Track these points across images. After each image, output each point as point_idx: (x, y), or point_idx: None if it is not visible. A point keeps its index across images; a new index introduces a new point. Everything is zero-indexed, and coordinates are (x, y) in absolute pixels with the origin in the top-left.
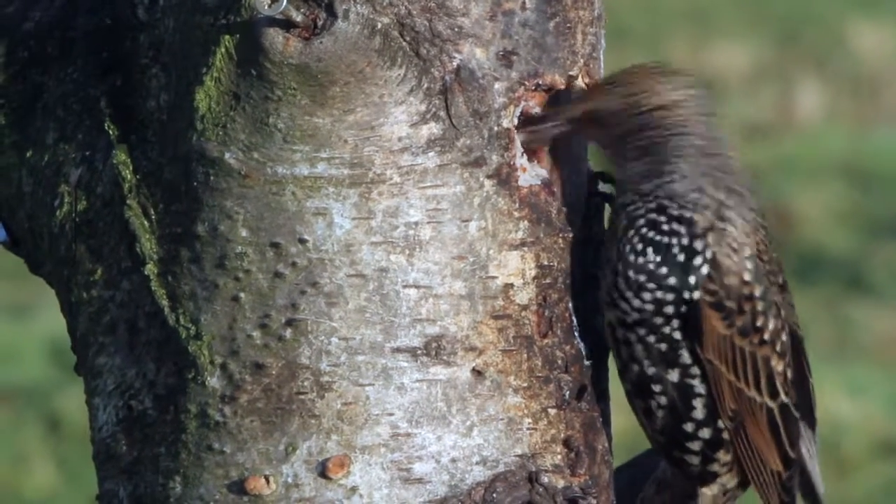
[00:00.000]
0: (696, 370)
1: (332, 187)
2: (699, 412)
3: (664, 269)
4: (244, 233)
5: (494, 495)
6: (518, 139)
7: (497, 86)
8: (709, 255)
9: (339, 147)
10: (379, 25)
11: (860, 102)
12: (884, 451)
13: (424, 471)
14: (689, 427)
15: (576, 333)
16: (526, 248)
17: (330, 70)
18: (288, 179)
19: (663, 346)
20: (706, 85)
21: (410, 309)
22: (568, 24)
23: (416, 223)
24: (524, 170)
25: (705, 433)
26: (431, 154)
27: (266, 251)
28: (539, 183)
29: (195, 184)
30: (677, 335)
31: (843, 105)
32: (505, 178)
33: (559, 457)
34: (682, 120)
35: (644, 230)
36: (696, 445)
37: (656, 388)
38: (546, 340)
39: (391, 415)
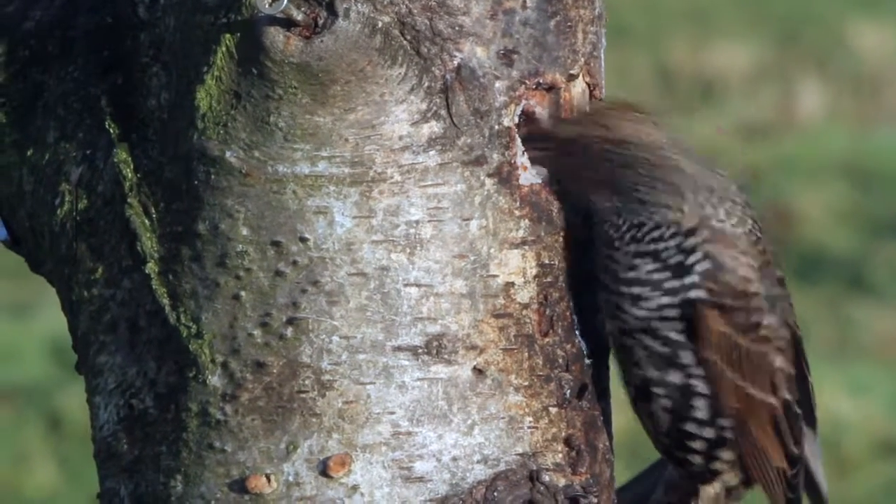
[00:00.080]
0: (697, 371)
1: (332, 186)
2: (702, 412)
3: (661, 275)
4: (245, 231)
5: (495, 494)
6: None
7: (498, 84)
8: (704, 251)
9: (339, 146)
10: (380, 24)
11: (861, 102)
12: (884, 451)
13: (425, 469)
14: (691, 427)
15: (577, 332)
16: (527, 247)
17: (331, 69)
18: (289, 178)
19: (664, 349)
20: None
21: (411, 307)
22: (569, 23)
23: (417, 222)
24: (525, 168)
25: (708, 432)
26: (432, 153)
27: (267, 250)
28: (540, 181)
29: (196, 182)
30: (678, 337)
31: (844, 105)
32: (506, 177)
33: (560, 455)
34: (631, 154)
35: (628, 247)
36: (698, 445)
37: (659, 390)
38: (547, 339)
39: (392, 413)
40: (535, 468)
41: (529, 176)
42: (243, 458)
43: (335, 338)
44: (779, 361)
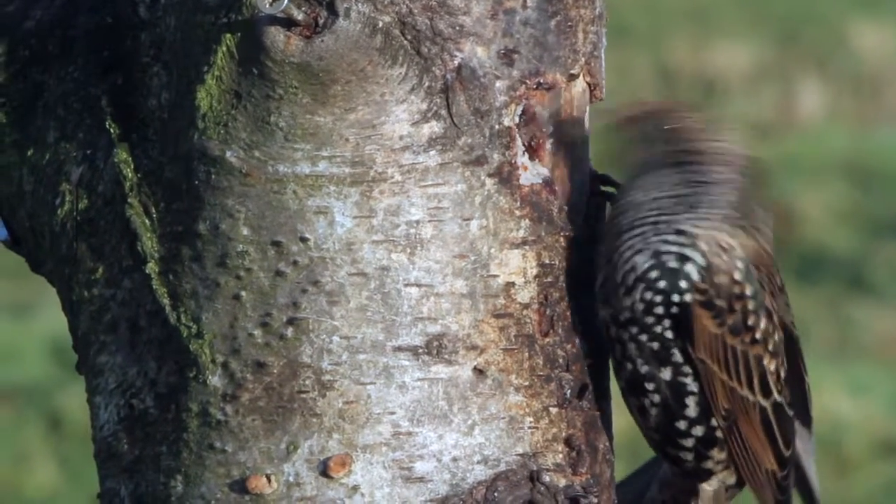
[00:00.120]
0: (688, 369)
1: (333, 186)
2: (692, 410)
3: (654, 273)
4: (245, 231)
5: (496, 494)
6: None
7: (498, 84)
8: (700, 260)
9: (340, 145)
10: (380, 24)
11: (861, 102)
12: (885, 451)
13: (426, 470)
14: (682, 425)
15: (577, 332)
16: (527, 247)
17: (331, 69)
18: (289, 178)
19: (655, 345)
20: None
21: (412, 307)
22: (569, 23)
23: (418, 222)
24: (525, 168)
25: (698, 431)
26: (433, 153)
27: (267, 250)
28: (540, 181)
29: (196, 182)
30: (669, 334)
31: (845, 104)
32: (506, 177)
33: (560, 456)
34: (701, 163)
35: (642, 236)
36: (689, 443)
37: (649, 386)
38: (547, 339)
39: (392, 413)
40: (535, 468)
41: (530, 176)
42: (244, 459)
43: (335, 338)
44: (771, 364)
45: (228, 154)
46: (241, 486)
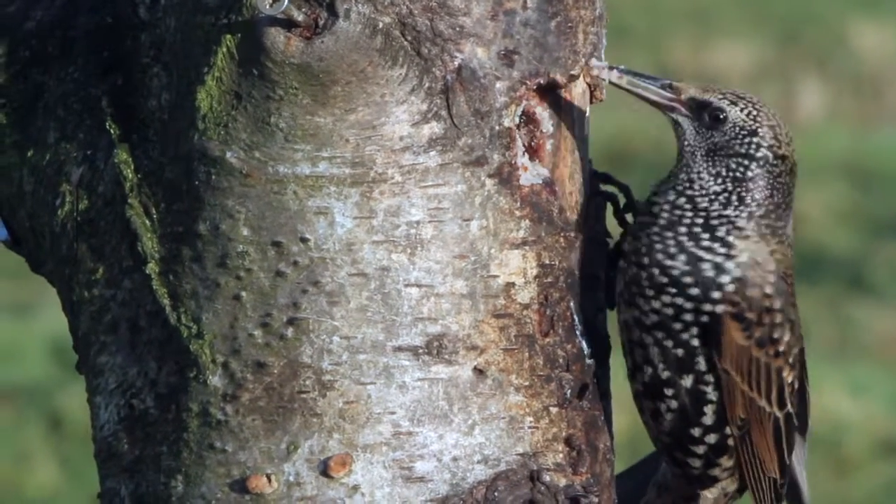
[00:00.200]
0: (710, 377)
1: (333, 186)
2: (709, 418)
3: (688, 279)
4: (246, 232)
5: (496, 494)
6: (607, 75)
7: (498, 85)
8: (736, 272)
9: (340, 146)
10: (380, 25)
11: (861, 102)
12: (885, 451)
13: (426, 469)
14: (696, 432)
15: (577, 332)
16: (527, 247)
17: (331, 69)
18: (289, 178)
19: (680, 352)
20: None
21: (412, 308)
22: (569, 24)
23: (418, 222)
24: (525, 169)
25: (711, 438)
26: (433, 153)
27: (267, 250)
28: (540, 182)
29: (196, 183)
30: (695, 342)
31: (845, 105)
32: (506, 178)
33: (561, 455)
34: (778, 172)
35: (683, 238)
36: (700, 449)
37: (669, 391)
38: (547, 339)
39: (393, 413)
40: (535, 468)
41: (530, 176)
42: (244, 459)
43: (336, 338)
44: (789, 376)
45: (229, 155)
46: (241, 486)
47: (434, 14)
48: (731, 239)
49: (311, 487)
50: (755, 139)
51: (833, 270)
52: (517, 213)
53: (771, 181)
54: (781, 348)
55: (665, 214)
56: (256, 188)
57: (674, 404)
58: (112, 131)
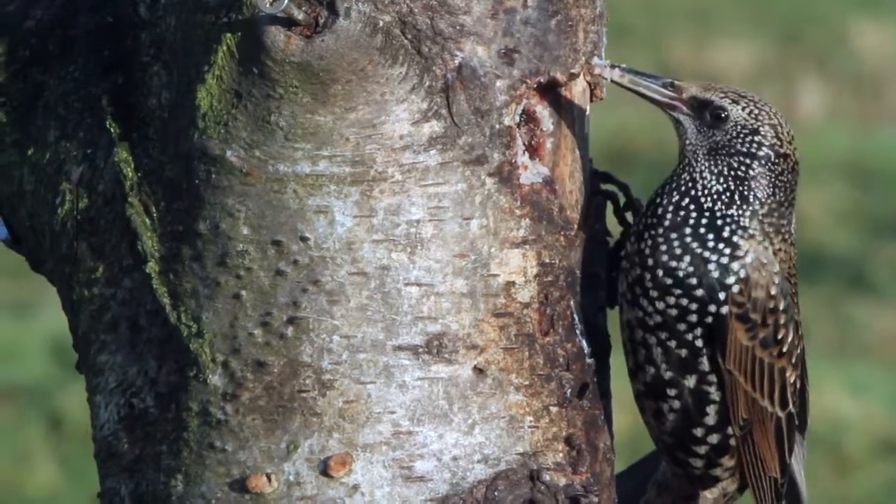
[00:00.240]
0: (713, 378)
1: (333, 185)
2: (711, 418)
3: (693, 280)
4: (245, 231)
5: (496, 493)
6: (609, 73)
7: (499, 84)
8: (742, 273)
9: (340, 145)
10: (380, 23)
11: (862, 102)
12: (885, 450)
13: (426, 469)
14: (698, 432)
15: (577, 331)
16: (527, 246)
17: (331, 68)
18: (289, 177)
19: (684, 352)
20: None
21: (412, 307)
22: (569, 22)
23: (418, 221)
24: (525, 168)
25: (714, 438)
26: (433, 152)
27: (267, 249)
28: (540, 181)
29: (196, 182)
30: (699, 343)
31: (845, 104)
32: (506, 176)
33: (561, 455)
34: (780, 171)
35: (689, 239)
36: (703, 450)
37: (671, 391)
38: (547, 338)
39: (393, 413)
40: (535, 467)
41: (530, 175)
42: (244, 458)
43: (336, 337)
44: (792, 376)
45: (229, 153)
46: (241, 486)
47: (434, 12)
48: (735, 239)
49: (311, 487)
50: (757, 138)
51: (833, 270)
52: (517, 211)
53: (773, 179)
54: (785, 348)
55: (669, 216)
56: (256, 187)
57: (676, 404)
58: (112, 130)
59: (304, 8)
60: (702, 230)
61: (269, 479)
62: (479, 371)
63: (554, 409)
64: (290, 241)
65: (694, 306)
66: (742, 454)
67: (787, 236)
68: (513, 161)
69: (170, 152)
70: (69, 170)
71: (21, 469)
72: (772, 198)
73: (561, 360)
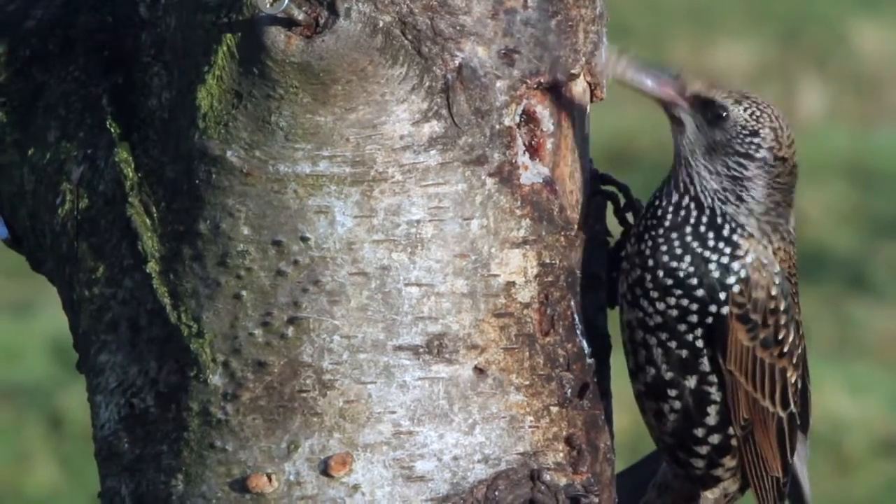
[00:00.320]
0: (713, 378)
1: (333, 185)
2: (712, 419)
3: (694, 281)
4: (246, 231)
5: (496, 493)
6: (616, 65)
7: (499, 84)
8: (742, 273)
9: (340, 145)
10: (381, 24)
11: (862, 101)
12: (885, 450)
13: (426, 469)
14: (699, 432)
15: (578, 331)
16: (528, 247)
17: (332, 68)
18: (290, 177)
19: (684, 353)
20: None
21: (412, 307)
22: (570, 23)
23: (418, 221)
24: (526, 168)
25: (715, 439)
26: (433, 152)
27: (268, 249)
28: (541, 181)
29: (197, 182)
30: (700, 343)
31: (845, 104)
32: (507, 177)
33: (561, 455)
34: (777, 174)
35: (689, 239)
36: (703, 450)
37: (672, 392)
38: (548, 338)
39: (393, 413)
40: (536, 467)
41: (530, 175)
42: (244, 458)
43: (336, 337)
44: (793, 376)
45: (229, 154)
46: (241, 485)
47: (434, 13)
48: (736, 238)
49: (312, 487)
50: (756, 140)
51: (833, 270)
52: (518, 212)
53: (769, 181)
54: (786, 349)
55: (670, 216)
56: (257, 187)
57: (677, 405)
58: (112, 130)
59: (304, 8)
60: (702, 228)
61: (270, 479)
62: (480, 371)
63: (554, 409)
64: (290, 242)
65: (694, 307)
66: (744, 454)
67: (785, 235)
68: (513, 161)
69: (170, 152)
70: (70, 170)
71: (21, 469)
72: (768, 198)
73: (561, 360)
